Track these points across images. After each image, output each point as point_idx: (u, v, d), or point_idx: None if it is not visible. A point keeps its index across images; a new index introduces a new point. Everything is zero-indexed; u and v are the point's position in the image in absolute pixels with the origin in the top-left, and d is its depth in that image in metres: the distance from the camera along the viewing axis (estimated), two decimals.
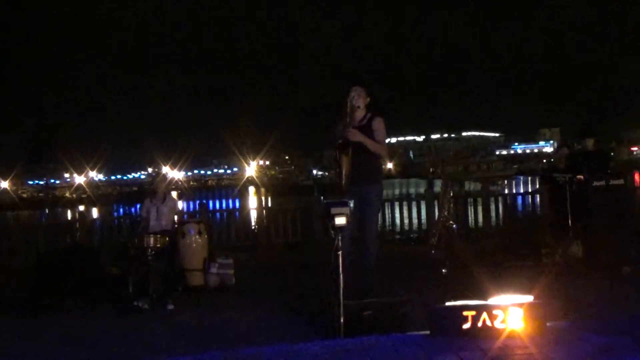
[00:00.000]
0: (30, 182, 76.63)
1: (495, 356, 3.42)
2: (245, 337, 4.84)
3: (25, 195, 67.79)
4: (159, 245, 6.25)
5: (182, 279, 6.71)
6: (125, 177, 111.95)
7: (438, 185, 9.36)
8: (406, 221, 10.89)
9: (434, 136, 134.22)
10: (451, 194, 7.98)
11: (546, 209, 8.63)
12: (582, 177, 6.80)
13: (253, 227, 10.96)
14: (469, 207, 10.57)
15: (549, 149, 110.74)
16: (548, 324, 3.81)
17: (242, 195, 53.30)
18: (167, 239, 6.39)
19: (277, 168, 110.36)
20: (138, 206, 9.32)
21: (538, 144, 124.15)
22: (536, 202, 10.34)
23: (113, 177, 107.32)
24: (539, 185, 10.75)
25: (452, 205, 7.93)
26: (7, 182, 55.67)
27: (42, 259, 7.30)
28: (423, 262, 6.90)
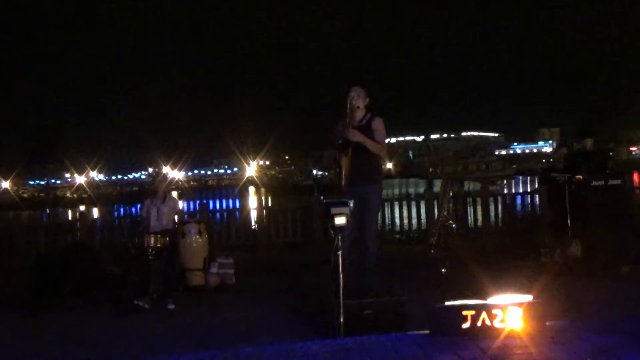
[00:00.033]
0: (31, 182, 76.70)
1: (494, 355, 3.44)
2: (245, 336, 4.86)
3: (26, 195, 67.82)
4: (159, 245, 6.26)
5: (182, 279, 6.73)
6: (125, 177, 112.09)
7: (437, 185, 9.38)
8: (406, 221, 10.90)
9: (433, 136, 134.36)
10: (450, 194, 7.99)
11: (545, 208, 8.64)
12: (581, 177, 6.81)
13: (253, 227, 10.96)
14: (469, 207, 10.58)
15: (548, 149, 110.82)
16: (547, 324, 3.83)
17: (242, 195, 53.35)
18: (167, 238, 6.40)
19: (277, 168, 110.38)
20: (138, 206, 9.32)
21: (537, 144, 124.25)
22: (535, 202, 10.36)
23: (114, 177, 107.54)
24: (538, 185, 10.74)
25: (451, 205, 7.93)
26: (8, 182, 55.66)
27: (43, 259, 7.30)
28: (422, 262, 6.90)
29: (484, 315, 3.77)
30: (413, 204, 11.17)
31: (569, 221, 6.79)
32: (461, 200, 10.49)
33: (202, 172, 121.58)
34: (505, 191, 18.04)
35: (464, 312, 3.80)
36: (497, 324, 3.76)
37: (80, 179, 71.22)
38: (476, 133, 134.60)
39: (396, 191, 43.81)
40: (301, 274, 7.54)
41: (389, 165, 65.59)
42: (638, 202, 9.58)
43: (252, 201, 29.34)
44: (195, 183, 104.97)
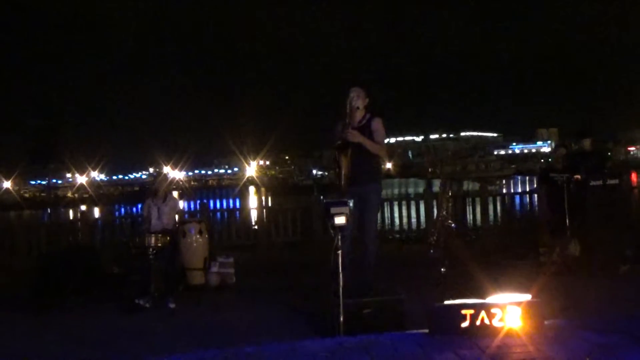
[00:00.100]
0: (33, 182, 76.78)
1: (493, 354, 3.45)
2: (245, 335, 4.88)
3: (27, 195, 67.83)
4: (160, 245, 6.29)
5: (183, 278, 6.76)
6: (126, 177, 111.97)
7: (437, 185, 9.39)
8: (405, 220, 10.93)
9: (432, 136, 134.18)
10: (450, 194, 8.03)
11: (544, 208, 8.66)
12: (579, 176, 6.84)
13: (253, 227, 10.99)
14: (468, 207, 10.60)
15: (546, 149, 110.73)
16: (546, 322, 3.84)
17: (243, 195, 53.40)
18: (168, 238, 6.43)
19: (277, 168, 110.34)
20: (139, 206, 9.34)
21: (536, 144, 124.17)
22: (534, 202, 10.38)
23: (114, 177, 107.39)
24: (537, 185, 10.75)
25: (450, 204, 7.96)
26: (9, 182, 55.62)
27: (44, 259, 7.35)
28: (422, 261, 6.92)
29: (483, 314, 3.79)
30: (412, 203, 11.19)
31: (567, 221, 6.81)
32: (460, 200, 10.51)
33: (203, 172, 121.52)
34: (504, 191, 18.03)
35: (463, 311, 3.81)
36: (496, 323, 3.78)
37: (81, 179, 71.21)
38: (475, 133, 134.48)
39: (395, 191, 43.80)
40: (301, 273, 7.56)
41: (389, 165, 65.60)
42: (636, 202, 9.60)
43: (253, 201, 29.42)
44: (195, 183, 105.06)
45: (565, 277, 6.18)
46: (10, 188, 56.59)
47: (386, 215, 10.78)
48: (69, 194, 65.51)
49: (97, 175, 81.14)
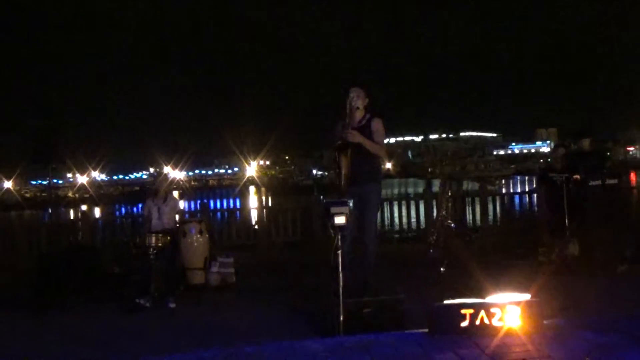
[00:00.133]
0: (33, 182, 76.78)
1: (493, 354, 3.46)
2: (245, 335, 4.88)
3: (28, 195, 67.94)
4: (160, 245, 6.30)
5: (183, 278, 6.76)
6: (127, 177, 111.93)
7: (436, 185, 9.41)
8: (405, 220, 10.94)
9: (432, 136, 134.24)
10: (449, 194, 8.04)
11: (543, 208, 8.68)
12: (578, 176, 6.85)
13: (253, 227, 11.00)
14: (467, 207, 10.61)
15: (546, 149, 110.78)
16: (545, 322, 3.86)
17: (243, 194, 53.42)
18: (168, 238, 6.44)
19: (277, 168, 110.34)
20: (140, 206, 9.36)
21: (535, 144, 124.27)
22: (533, 202, 10.39)
23: (115, 177, 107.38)
24: (536, 185, 10.76)
25: (450, 204, 7.97)
26: (10, 182, 55.63)
27: (45, 259, 7.34)
28: (422, 261, 6.94)
29: (482, 313, 3.81)
30: (412, 203, 11.20)
31: (566, 221, 6.83)
32: (460, 199, 10.53)
33: (203, 172, 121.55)
34: (504, 191, 18.03)
35: (463, 311, 3.83)
36: (495, 322, 3.80)
37: (82, 179, 71.25)
38: (474, 133, 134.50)
39: (395, 191, 43.82)
40: (301, 273, 7.57)
41: (388, 165, 65.65)
42: (635, 202, 9.62)
43: (253, 201, 29.41)
44: (196, 183, 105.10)
45: (564, 277, 6.19)
46: (11, 188, 56.64)
47: (386, 215, 10.79)
48: (70, 194, 65.58)
49: (97, 175, 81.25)
